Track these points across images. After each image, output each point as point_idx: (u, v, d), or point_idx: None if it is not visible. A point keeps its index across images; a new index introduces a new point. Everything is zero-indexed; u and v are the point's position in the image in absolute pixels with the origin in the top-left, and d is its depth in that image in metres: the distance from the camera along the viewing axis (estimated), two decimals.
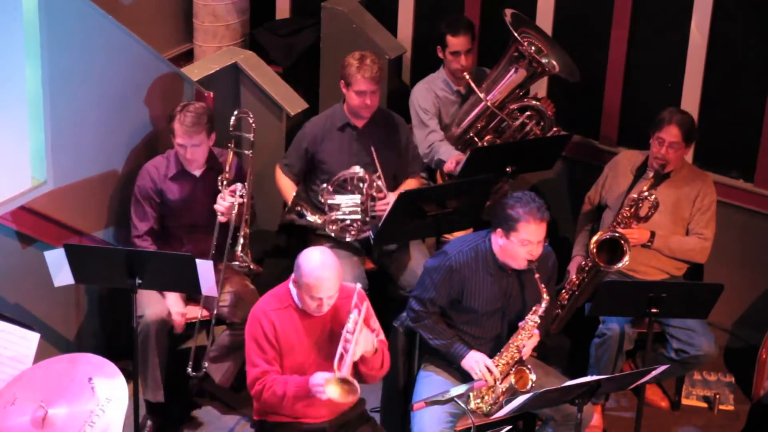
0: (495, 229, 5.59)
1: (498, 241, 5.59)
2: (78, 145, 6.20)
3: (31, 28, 5.77)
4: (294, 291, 5.38)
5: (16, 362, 5.09)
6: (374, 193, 6.42)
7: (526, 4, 7.12)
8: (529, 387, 5.59)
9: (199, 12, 7.84)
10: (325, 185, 6.43)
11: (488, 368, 5.64)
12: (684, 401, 6.73)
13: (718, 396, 6.71)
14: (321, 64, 7.74)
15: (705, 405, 6.74)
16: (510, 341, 5.67)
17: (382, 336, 5.55)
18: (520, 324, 5.66)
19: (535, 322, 5.63)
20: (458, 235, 6.78)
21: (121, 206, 6.43)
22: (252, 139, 6.29)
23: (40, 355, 5.15)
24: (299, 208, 6.41)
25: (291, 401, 5.35)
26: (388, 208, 6.29)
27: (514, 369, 5.65)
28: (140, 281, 5.72)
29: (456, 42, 6.83)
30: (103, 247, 6.26)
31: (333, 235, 6.41)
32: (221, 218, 6.16)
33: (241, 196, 6.14)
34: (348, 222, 6.43)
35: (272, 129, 7.28)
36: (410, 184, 6.61)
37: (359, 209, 6.42)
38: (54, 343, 6.37)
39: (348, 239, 6.43)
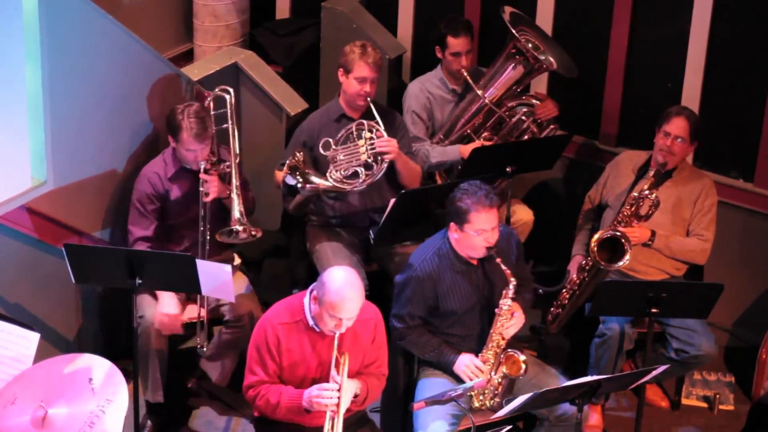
0: (448, 224, 5.64)
1: (453, 235, 5.65)
2: (78, 145, 6.20)
3: (31, 28, 5.77)
4: (308, 306, 5.34)
5: (16, 362, 5.09)
6: (374, 135, 6.40)
7: (526, 4, 7.12)
8: (522, 370, 5.61)
9: (199, 12, 7.84)
10: (330, 143, 6.39)
11: (478, 368, 5.67)
12: (684, 401, 6.73)
13: (718, 396, 6.71)
14: (321, 64, 7.74)
15: (705, 405, 6.74)
16: (492, 330, 5.71)
17: (384, 367, 5.54)
18: (496, 311, 5.69)
19: (509, 306, 5.67)
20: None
21: (122, 206, 6.43)
22: (229, 109, 6.31)
23: (40, 355, 5.15)
24: (300, 172, 6.32)
25: (284, 411, 5.35)
26: (389, 145, 6.30)
27: (503, 357, 5.66)
28: (140, 281, 5.72)
29: (457, 43, 6.83)
30: (103, 247, 6.26)
31: (339, 184, 6.34)
32: (207, 198, 6.14)
33: (222, 168, 6.18)
34: (353, 169, 6.38)
35: (272, 129, 7.28)
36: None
37: (360, 152, 6.39)
38: (54, 343, 6.37)
39: (357, 187, 6.37)
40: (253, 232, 6.13)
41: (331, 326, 5.25)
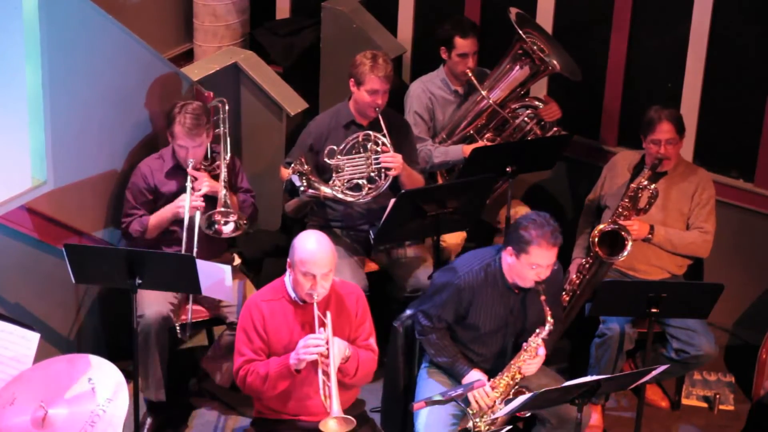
0: (506, 246, 5.58)
1: (507, 259, 5.58)
2: (78, 145, 6.20)
3: (31, 29, 5.77)
4: (288, 281, 5.41)
5: (16, 362, 5.09)
6: (379, 149, 6.40)
7: (526, 5, 7.12)
8: (527, 413, 5.58)
9: (199, 12, 7.84)
10: (335, 150, 6.39)
11: (486, 393, 5.63)
12: (684, 401, 6.73)
13: (718, 396, 6.71)
14: (321, 64, 7.74)
15: (705, 405, 6.74)
16: (512, 362, 5.65)
17: (372, 340, 5.56)
18: (524, 345, 5.63)
19: (538, 345, 5.61)
20: (455, 235, 6.81)
21: (121, 206, 6.43)
22: (223, 115, 6.37)
23: (40, 355, 5.15)
24: (306, 178, 6.32)
25: (274, 379, 5.36)
26: (394, 161, 6.30)
27: (513, 392, 5.62)
28: (140, 281, 5.72)
29: (465, 44, 6.83)
30: (103, 247, 6.27)
31: (342, 196, 6.36)
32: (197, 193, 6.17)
33: (213, 167, 6.24)
34: (356, 181, 6.39)
35: (272, 129, 7.28)
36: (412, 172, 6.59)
37: (364, 165, 6.39)
38: (54, 343, 6.37)
39: (361, 200, 6.38)
40: (240, 221, 6.13)
41: (308, 288, 5.30)
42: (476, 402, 5.62)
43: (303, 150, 6.48)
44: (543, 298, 5.53)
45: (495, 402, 5.63)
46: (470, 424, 5.63)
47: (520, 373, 5.64)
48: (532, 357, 5.61)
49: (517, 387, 5.64)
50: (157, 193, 6.29)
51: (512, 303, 5.68)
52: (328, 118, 6.55)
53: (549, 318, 5.55)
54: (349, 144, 6.40)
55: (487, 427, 5.62)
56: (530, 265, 5.49)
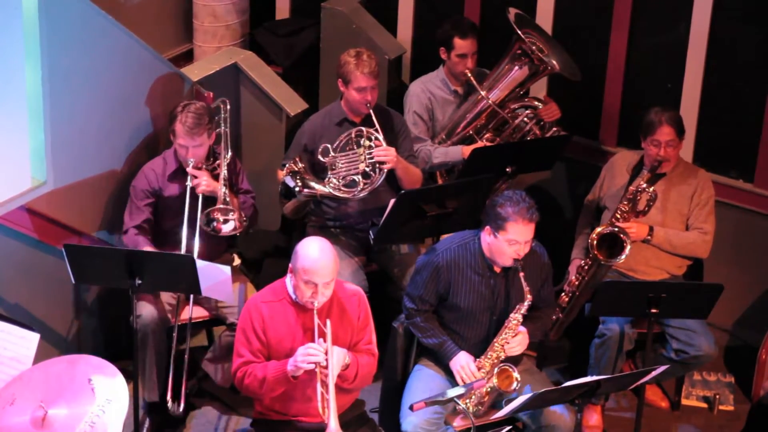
0: (484, 226, 5.63)
1: (486, 238, 5.64)
2: (78, 145, 6.20)
3: (31, 28, 5.77)
4: (290, 283, 5.40)
5: (16, 362, 5.09)
6: (372, 144, 6.40)
7: (526, 5, 7.12)
8: (513, 387, 5.59)
9: (199, 12, 7.84)
10: (329, 148, 6.40)
11: (472, 372, 5.66)
12: (684, 401, 6.73)
13: (718, 396, 6.71)
14: (321, 64, 7.75)
15: (705, 405, 6.74)
16: (495, 340, 5.69)
17: (373, 344, 5.56)
18: (506, 321, 5.67)
19: (518, 321, 5.65)
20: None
21: (121, 206, 6.43)
22: (225, 115, 6.38)
23: (40, 356, 5.15)
24: (300, 177, 6.33)
25: (271, 383, 5.35)
26: (387, 155, 6.31)
27: (497, 369, 5.64)
28: (140, 281, 5.72)
29: (464, 44, 6.83)
30: (103, 247, 6.27)
31: (337, 192, 6.36)
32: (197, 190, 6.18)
33: (213, 164, 6.25)
34: (351, 177, 6.39)
35: (272, 129, 7.28)
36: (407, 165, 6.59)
37: (358, 161, 6.39)
38: (54, 344, 6.37)
39: (356, 196, 6.39)
40: (241, 219, 6.14)
41: (308, 295, 5.29)
42: (463, 383, 5.65)
43: (298, 150, 6.50)
44: (521, 274, 5.57)
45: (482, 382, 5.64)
46: (461, 406, 5.61)
47: (504, 351, 5.67)
48: (513, 335, 5.64)
49: (501, 365, 5.64)
50: (160, 196, 6.28)
51: (494, 284, 5.72)
52: (321, 117, 6.57)
53: (527, 295, 5.59)
54: (342, 141, 6.41)
55: (474, 408, 5.65)
56: (508, 242, 5.55)
